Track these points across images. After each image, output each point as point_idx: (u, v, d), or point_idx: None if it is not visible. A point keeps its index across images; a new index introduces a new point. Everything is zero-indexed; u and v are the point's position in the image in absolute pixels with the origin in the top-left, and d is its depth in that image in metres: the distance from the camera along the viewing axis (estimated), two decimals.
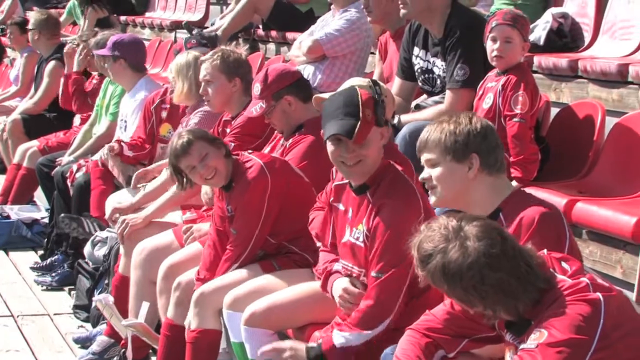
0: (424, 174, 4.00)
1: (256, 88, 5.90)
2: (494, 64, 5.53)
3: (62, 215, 7.96)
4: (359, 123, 4.40)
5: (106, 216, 7.15)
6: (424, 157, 3.99)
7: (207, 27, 10.63)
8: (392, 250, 4.36)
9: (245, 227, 5.41)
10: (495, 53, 5.47)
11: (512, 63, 5.48)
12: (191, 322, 5.42)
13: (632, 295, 4.27)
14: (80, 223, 7.74)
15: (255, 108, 5.85)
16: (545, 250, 3.56)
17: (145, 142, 7.83)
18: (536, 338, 3.32)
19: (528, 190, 5.26)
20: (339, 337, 4.45)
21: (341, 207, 4.72)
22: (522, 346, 3.39)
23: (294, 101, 5.79)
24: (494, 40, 5.48)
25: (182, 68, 7.22)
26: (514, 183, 5.33)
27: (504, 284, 3.37)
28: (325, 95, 5.27)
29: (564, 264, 3.50)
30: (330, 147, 4.51)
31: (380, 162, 4.56)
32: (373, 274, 4.47)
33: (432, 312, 3.81)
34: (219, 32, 9.82)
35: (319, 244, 4.99)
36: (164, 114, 7.81)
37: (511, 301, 3.40)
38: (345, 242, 4.64)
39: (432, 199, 4.05)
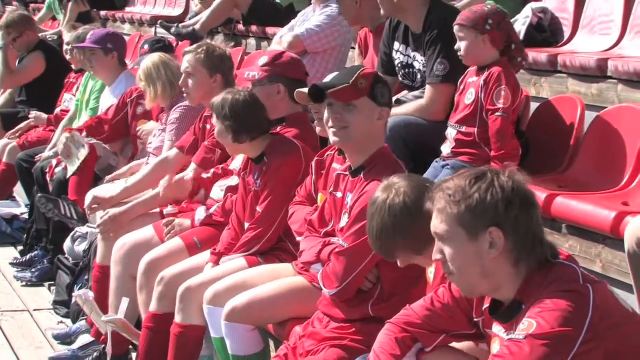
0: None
1: (262, 59, 5.88)
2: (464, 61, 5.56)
3: (40, 195, 7.94)
4: (345, 85, 4.52)
5: (85, 205, 7.13)
6: None
7: (183, 22, 10.63)
8: (363, 222, 4.39)
9: (272, 208, 5.37)
10: (459, 52, 5.51)
11: (478, 59, 5.46)
12: (176, 316, 5.42)
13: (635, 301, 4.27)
14: (56, 205, 7.70)
15: (250, 73, 5.83)
16: None
17: (105, 124, 7.86)
18: (524, 329, 3.32)
19: None
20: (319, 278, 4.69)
21: (339, 194, 4.75)
22: (509, 336, 3.40)
23: (284, 93, 5.76)
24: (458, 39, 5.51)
25: (151, 72, 7.17)
26: None
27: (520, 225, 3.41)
28: (306, 90, 5.27)
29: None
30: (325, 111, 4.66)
31: (378, 145, 4.64)
32: (340, 240, 4.57)
33: (411, 307, 3.82)
34: (197, 27, 9.82)
35: (299, 238, 5.00)
36: (139, 110, 7.81)
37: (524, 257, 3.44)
38: (342, 228, 4.66)
39: None
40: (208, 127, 6.48)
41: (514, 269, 3.45)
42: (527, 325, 3.33)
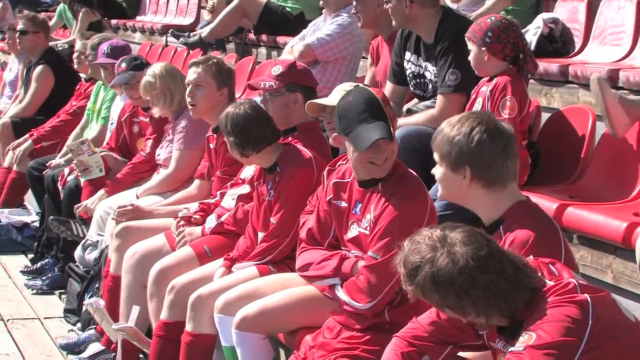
0: (434, 170, 3.99)
1: (276, 68, 5.82)
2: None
3: (51, 217, 7.97)
4: (390, 122, 4.46)
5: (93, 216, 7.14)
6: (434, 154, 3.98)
7: (194, 31, 10.65)
8: (394, 234, 4.37)
9: (285, 219, 5.37)
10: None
11: (484, 69, 5.48)
12: (187, 324, 5.43)
13: None
14: (68, 226, 7.75)
15: (265, 83, 5.77)
16: (531, 256, 3.57)
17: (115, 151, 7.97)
18: (524, 341, 3.33)
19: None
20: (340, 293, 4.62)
21: (343, 204, 4.73)
22: (510, 349, 3.40)
23: (301, 102, 5.75)
24: None
25: (167, 77, 7.07)
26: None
27: (495, 286, 3.37)
28: (319, 101, 5.28)
29: (552, 267, 3.52)
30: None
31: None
32: (370, 253, 4.51)
33: (418, 319, 3.83)
34: (203, 34, 9.85)
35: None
36: (135, 128, 7.83)
37: (503, 303, 3.40)
38: (352, 238, 4.65)
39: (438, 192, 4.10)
40: (212, 145, 6.50)
41: (505, 319, 3.48)
42: (527, 337, 3.33)
